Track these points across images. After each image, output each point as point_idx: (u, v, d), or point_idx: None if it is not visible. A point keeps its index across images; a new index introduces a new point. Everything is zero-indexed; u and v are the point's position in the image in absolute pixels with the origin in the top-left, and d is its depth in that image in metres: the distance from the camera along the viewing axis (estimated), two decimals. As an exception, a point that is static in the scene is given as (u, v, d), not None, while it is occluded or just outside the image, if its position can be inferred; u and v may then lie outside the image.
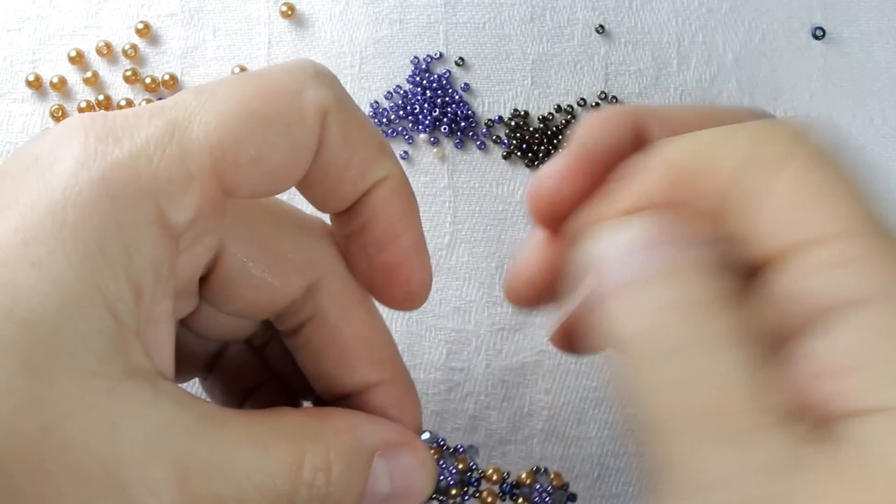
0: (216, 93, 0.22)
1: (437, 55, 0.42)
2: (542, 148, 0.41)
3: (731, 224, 0.20)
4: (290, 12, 0.42)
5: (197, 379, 0.31)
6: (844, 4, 0.43)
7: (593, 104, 0.42)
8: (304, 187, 0.25)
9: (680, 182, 0.20)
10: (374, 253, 0.25)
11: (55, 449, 0.18)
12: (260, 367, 0.30)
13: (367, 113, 0.41)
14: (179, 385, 0.22)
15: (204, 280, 0.25)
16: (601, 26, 0.42)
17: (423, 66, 0.41)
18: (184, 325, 0.27)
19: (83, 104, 0.41)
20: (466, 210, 0.41)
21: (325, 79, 0.23)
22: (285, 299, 0.25)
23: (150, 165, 0.20)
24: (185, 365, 0.28)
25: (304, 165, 0.23)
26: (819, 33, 0.42)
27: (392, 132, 0.41)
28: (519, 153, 0.41)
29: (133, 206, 0.20)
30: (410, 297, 0.26)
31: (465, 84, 0.41)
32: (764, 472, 0.17)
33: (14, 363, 0.18)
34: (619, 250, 0.20)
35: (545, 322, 0.25)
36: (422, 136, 0.41)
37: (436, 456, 0.26)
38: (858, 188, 0.19)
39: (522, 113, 0.41)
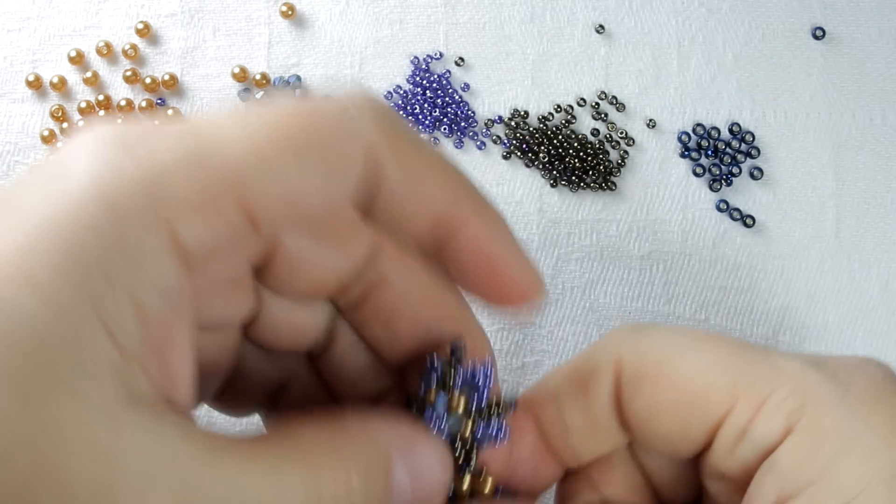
0: (252, 116, 0.21)
1: (437, 55, 0.42)
2: (542, 148, 0.41)
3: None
4: (290, 12, 0.42)
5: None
6: (844, 4, 0.43)
7: (593, 104, 0.42)
8: (373, 220, 0.24)
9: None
10: (472, 273, 0.25)
11: (50, 482, 0.17)
12: (324, 402, 0.29)
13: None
14: (191, 414, 0.21)
15: (263, 269, 0.24)
16: (601, 26, 0.42)
17: (423, 66, 0.41)
18: (249, 339, 0.26)
19: (83, 104, 0.41)
20: (466, 210, 0.41)
21: (379, 111, 0.23)
22: (349, 269, 0.24)
23: (163, 185, 0.19)
24: (248, 395, 0.27)
25: (341, 200, 0.22)
26: (819, 33, 0.42)
27: (392, 132, 0.41)
28: (519, 153, 0.41)
29: (140, 226, 0.19)
30: (515, 299, 0.25)
31: (465, 84, 0.41)
32: None
33: (10, 392, 0.17)
34: None
35: None
36: (422, 136, 0.41)
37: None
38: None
39: (522, 113, 0.41)
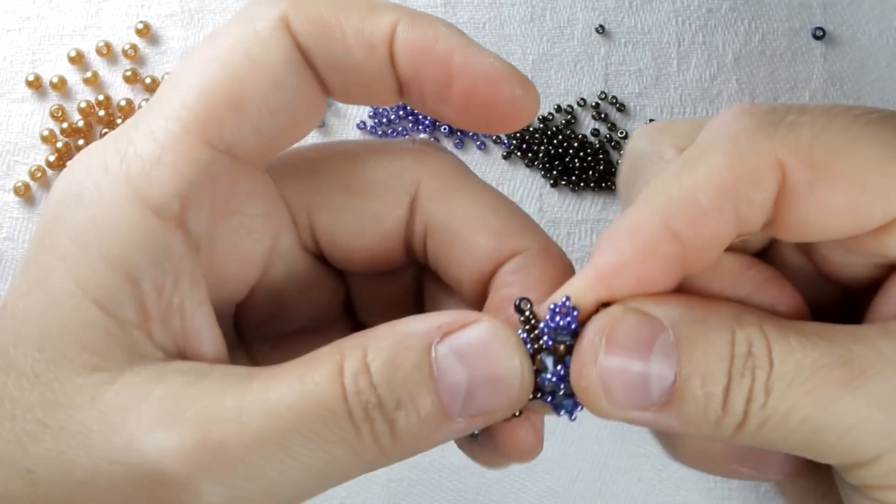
0: (187, 63, 0.21)
1: (437, 55, 0.42)
2: (542, 148, 0.41)
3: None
4: (290, 12, 0.42)
5: None
6: (844, 4, 0.43)
7: (593, 104, 0.42)
8: (341, 95, 0.23)
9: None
10: (474, 103, 0.23)
11: (75, 446, 0.19)
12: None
13: (367, 113, 0.41)
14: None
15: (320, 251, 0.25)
16: (601, 26, 0.42)
17: (423, 66, 0.41)
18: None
19: (83, 104, 0.41)
20: (466, 210, 0.40)
21: None
22: (396, 223, 0.24)
23: (108, 158, 0.20)
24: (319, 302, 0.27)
25: (292, 92, 0.22)
26: (819, 33, 0.42)
27: (392, 132, 0.41)
28: (519, 153, 0.41)
29: (100, 198, 0.20)
30: (516, 112, 0.24)
31: (465, 84, 0.41)
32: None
33: (25, 375, 0.20)
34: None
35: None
36: (422, 136, 0.41)
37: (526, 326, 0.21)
38: None
39: (522, 113, 0.41)
